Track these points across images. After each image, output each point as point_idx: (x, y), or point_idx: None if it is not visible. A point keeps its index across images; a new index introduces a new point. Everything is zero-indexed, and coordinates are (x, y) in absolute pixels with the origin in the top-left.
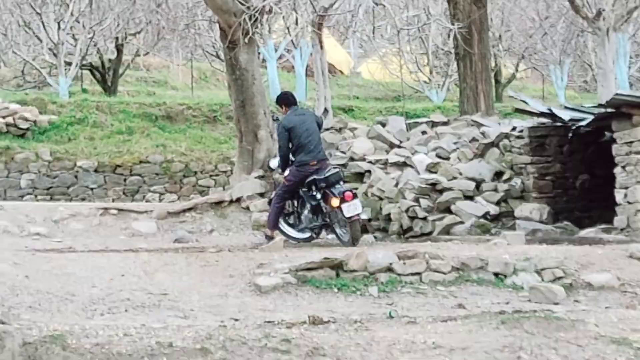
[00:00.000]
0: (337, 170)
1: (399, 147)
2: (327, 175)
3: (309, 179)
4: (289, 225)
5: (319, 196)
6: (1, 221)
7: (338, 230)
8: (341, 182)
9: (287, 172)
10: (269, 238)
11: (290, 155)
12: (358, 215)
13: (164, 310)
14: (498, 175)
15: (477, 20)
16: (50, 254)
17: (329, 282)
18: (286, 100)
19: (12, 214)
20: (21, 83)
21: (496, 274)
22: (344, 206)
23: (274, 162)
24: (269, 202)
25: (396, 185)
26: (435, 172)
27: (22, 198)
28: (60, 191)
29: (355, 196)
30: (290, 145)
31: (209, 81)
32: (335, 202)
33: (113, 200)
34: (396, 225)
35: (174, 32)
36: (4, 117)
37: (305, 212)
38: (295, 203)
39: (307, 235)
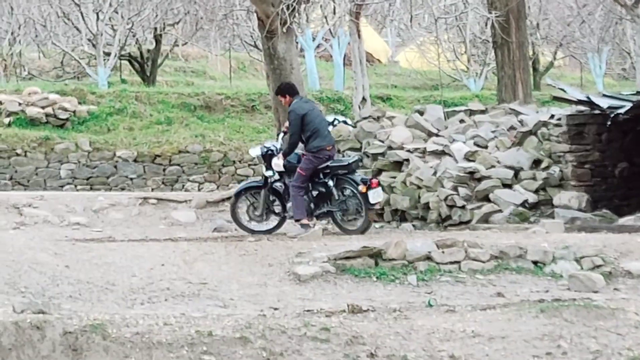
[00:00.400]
0: (356, 157)
1: (437, 135)
2: (350, 162)
3: (322, 166)
4: (252, 217)
5: (331, 183)
6: (41, 211)
7: (342, 218)
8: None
9: (301, 160)
10: (306, 226)
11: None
12: (379, 202)
13: (204, 300)
14: (536, 163)
15: (515, 8)
16: (90, 244)
17: (368, 271)
18: (290, 89)
19: (52, 204)
20: (60, 74)
21: (535, 263)
22: (370, 193)
23: (255, 151)
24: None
25: (434, 174)
26: (474, 161)
27: (62, 188)
28: (100, 181)
29: (379, 184)
30: (303, 132)
31: (247, 71)
32: (362, 188)
33: (152, 190)
34: (435, 214)
35: (212, 22)
36: (43, 108)
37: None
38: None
39: (269, 227)
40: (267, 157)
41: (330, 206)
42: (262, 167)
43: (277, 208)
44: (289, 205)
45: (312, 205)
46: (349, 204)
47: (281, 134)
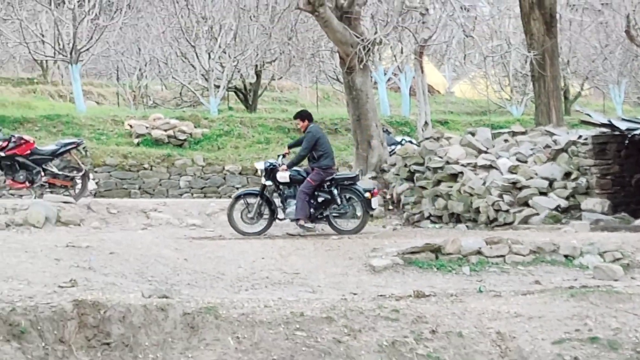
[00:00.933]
0: (358, 172)
1: (485, 152)
2: (355, 175)
3: (328, 178)
4: (245, 220)
5: (336, 191)
6: (164, 215)
7: (338, 221)
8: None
9: (301, 175)
10: (304, 227)
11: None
12: (376, 208)
13: (296, 286)
14: (567, 175)
15: (549, 48)
16: (204, 241)
17: (430, 263)
18: (309, 116)
19: (173, 209)
20: (179, 103)
21: (566, 256)
22: (373, 200)
23: (260, 165)
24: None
25: (484, 183)
26: (516, 173)
27: (181, 196)
28: (212, 190)
29: (378, 193)
30: (314, 151)
31: (330, 100)
32: (369, 195)
33: None
34: (484, 217)
35: (302, 60)
36: (165, 130)
37: (301, 203)
38: (278, 201)
39: (258, 229)
40: (269, 170)
41: (330, 211)
42: (262, 177)
43: (266, 214)
44: (286, 210)
45: (312, 210)
46: (347, 209)
47: (280, 157)
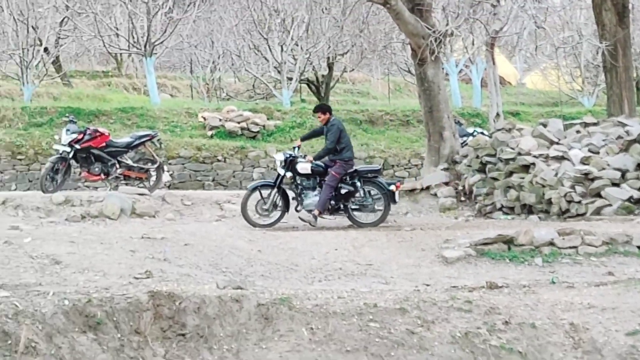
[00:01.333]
0: (380, 166)
1: (557, 144)
2: (379, 168)
3: (350, 170)
4: (259, 212)
5: (359, 184)
6: (238, 206)
7: (357, 214)
8: None
9: (323, 167)
10: (316, 217)
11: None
12: (398, 202)
13: (369, 278)
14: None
15: (622, 39)
16: (277, 233)
17: (502, 254)
18: (329, 109)
19: None
20: (252, 95)
21: (639, 247)
22: (396, 193)
23: (280, 156)
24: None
25: (556, 175)
26: (588, 164)
27: None
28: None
29: (399, 187)
30: (338, 144)
31: (402, 92)
32: (393, 188)
33: None
34: (556, 208)
35: (374, 53)
36: (239, 123)
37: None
38: (293, 192)
39: (270, 221)
40: (289, 161)
41: (349, 203)
42: (280, 168)
43: (280, 206)
44: (304, 202)
45: (332, 202)
46: (369, 202)
47: (296, 148)
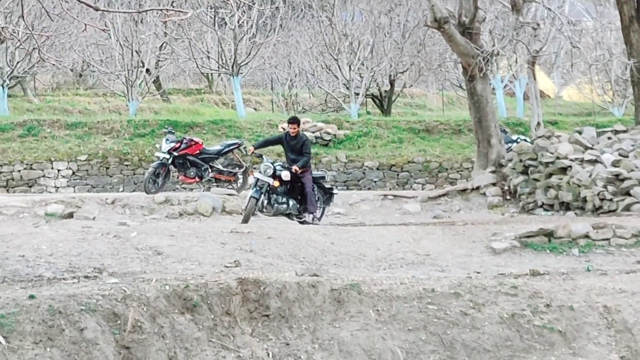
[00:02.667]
0: (324, 173)
1: (591, 149)
2: (323, 175)
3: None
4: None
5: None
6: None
7: (304, 214)
8: None
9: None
10: (318, 219)
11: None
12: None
13: (427, 266)
14: None
15: None
16: (347, 227)
17: (543, 246)
18: (299, 121)
19: None
20: (324, 108)
21: None
22: (334, 195)
23: (268, 165)
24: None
25: (590, 176)
26: (618, 167)
27: None
28: (353, 183)
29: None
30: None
31: (454, 104)
32: (336, 191)
33: (390, 189)
34: (590, 205)
35: (430, 70)
36: (313, 132)
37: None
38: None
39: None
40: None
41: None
42: (266, 177)
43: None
44: (276, 205)
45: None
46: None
47: (272, 162)
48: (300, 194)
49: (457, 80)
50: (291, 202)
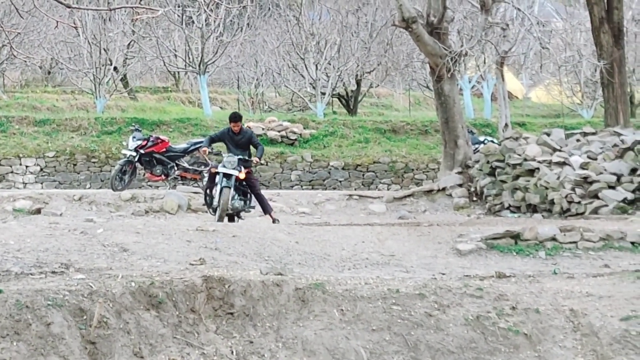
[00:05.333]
0: None
1: (559, 151)
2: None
3: None
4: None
5: None
6: (278, 204)
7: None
8: None
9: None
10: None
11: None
12: None
13: (392, 267)
14: (633, 171)
15: (617, 58)
16: (312, 227)
17: (510, 248)
18: (241, 118)
19: (286, 199)
20: (290, 107)
21: (632, 243)
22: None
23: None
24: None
25: (558, 178)
26: (587, 169)
27: (292, 188)
28: (318, 183)
29: None
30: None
31: (421, 105)
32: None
33: (355, 189)
34: (558, 207)
35: (397, 70)
36: (279, 132)
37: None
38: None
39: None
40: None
41: None
42: (236, 171)
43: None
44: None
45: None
46: None
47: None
48: (244, 193)
49: (424, 80)
50: (244, 200)
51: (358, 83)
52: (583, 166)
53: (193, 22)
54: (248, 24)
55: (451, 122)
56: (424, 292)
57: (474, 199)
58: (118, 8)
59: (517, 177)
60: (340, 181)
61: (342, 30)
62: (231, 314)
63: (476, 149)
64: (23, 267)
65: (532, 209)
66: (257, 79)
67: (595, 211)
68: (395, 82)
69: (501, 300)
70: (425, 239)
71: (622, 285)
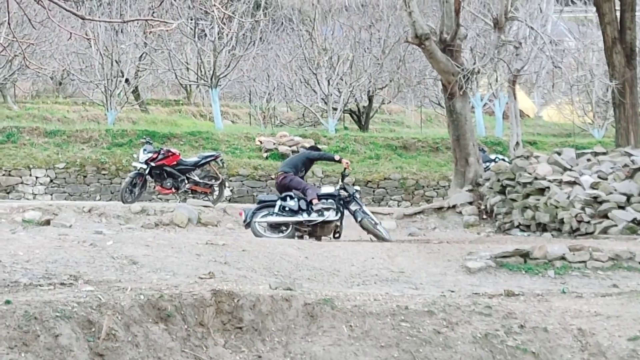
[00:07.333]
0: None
1: (570, 170)
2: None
3: None
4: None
5: None
6: None
7: None
8: None
9: None
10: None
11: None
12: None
13: (402, 283)
14: None
15: (629, 78)
16: (322, 242)
17: (519, 266)
18: None
19: None
20: (302, 122)
21: None
22: None
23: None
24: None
25: (568, 197)
26: (597, 189)
27: None
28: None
29: None
30: None
31: (433, 122)
32: None
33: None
34: (567, 227)
35: (409, 87)
36: (290, 146)
37: None
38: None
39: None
40: None
41: None
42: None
43: None
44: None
45: None
46: None
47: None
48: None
49: (436, 97)
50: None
51: (370, 99)
52: (593, 186)
53: (206, 35)
54: (261, 38)
55: (462, 140)
56: (432, 309)
57: (484, 217)
58: (131, 20)
59: (527, 195)
60: None
61: (354, 46)
62: (240, 328)
63: (487, 167)
64: (32, 279)
65: (542, 227)
66: (269, 94)
67: (604, 231)
68: (407, 98)
69: (510, 319)
70: (435, 256)
71: (630, 305)
